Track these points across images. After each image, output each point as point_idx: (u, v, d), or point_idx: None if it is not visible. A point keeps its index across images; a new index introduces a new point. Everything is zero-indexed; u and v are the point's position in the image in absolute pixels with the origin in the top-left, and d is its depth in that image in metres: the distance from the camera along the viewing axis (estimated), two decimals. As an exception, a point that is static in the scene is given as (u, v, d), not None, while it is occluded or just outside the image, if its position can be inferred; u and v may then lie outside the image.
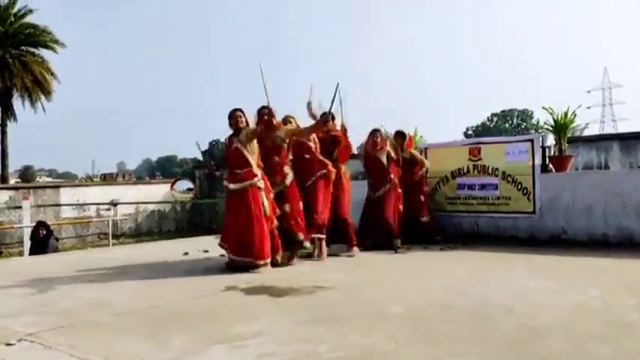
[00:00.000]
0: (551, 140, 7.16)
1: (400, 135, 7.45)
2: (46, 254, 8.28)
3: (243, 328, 3.28)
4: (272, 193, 5.50)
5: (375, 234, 6.76)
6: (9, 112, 26.46)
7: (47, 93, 26.93)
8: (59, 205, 16.30)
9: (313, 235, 5.88)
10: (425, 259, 6.10)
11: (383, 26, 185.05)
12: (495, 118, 70.04)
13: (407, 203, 7.10)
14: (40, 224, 9.85)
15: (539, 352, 2.75)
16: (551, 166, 7.09)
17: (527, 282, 4.54)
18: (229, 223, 5.42)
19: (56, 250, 9.33)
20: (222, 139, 5.80)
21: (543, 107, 7.27)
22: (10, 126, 26.65)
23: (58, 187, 17.91)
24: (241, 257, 5.27)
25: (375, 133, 6.95)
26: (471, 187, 7.59)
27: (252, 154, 5.40)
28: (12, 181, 30.91)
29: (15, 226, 13.34)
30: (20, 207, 13.35)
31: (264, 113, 5.67)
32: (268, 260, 5.30)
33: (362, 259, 6.05)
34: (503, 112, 69.92)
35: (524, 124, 67.51)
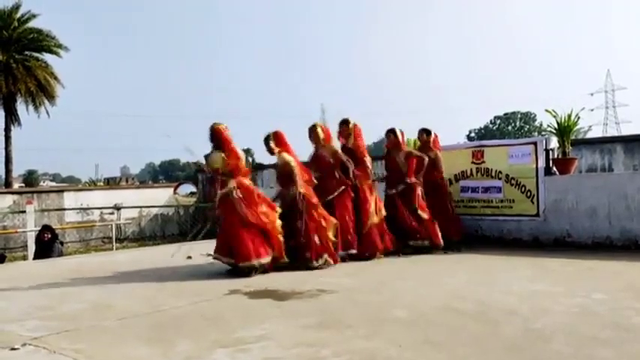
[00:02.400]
0: (554, 143, 7.13)
1: (425, 132, 7.27)
2: (50, 258, 8.29)
3: (246, 332, 3.29)
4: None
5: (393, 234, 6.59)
6: (13, 117, 26.49)
7: (51, 97, 26.96)
8: (63, 209, 16.30)
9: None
10: (428, 262, 6.08)
11: (392, 27, 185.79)
12: (498, 121, 69.99)
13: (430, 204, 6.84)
14: (46, 228, 9.85)
15: (543, 356, 2.75)
16: (554, 168, 7.07)
17: (530, 285, 4.53)
18: (220, 229, 5.62)
19: (60, 254, 9.33)
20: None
21: (546, 110, 7.25)
22: (14, 131, 26.72)
23: (61, 191, 17.92)
24: (229, 259, 5.38)
25: (389, 132, 6.89)
26: (474, 190, 7.57)
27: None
28: (16, 186, 30.94)
29: (19, 230, 13.33)
30: (24, 211, 13.36)
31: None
32: (254, 262, 5.28)
33: (364, 263, 6.04)
34: (506, 114, 69.86)
35: (527, 126, 67.42)
